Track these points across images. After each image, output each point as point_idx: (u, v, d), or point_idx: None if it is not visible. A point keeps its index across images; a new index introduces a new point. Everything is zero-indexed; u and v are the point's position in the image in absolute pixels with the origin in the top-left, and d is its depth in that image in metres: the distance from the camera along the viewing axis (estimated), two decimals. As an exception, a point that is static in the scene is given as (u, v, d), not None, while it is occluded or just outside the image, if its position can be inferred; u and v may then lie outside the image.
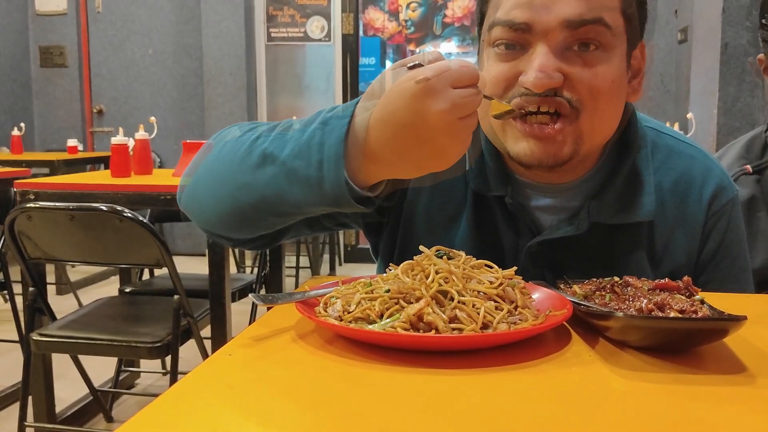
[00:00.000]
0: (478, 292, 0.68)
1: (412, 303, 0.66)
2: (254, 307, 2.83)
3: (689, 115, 2.74)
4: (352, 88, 5.38)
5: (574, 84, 0.81)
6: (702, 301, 0.68)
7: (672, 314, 0.65)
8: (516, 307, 0.68)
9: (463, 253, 0.74)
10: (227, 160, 0.82)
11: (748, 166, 1.29)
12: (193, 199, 0.89)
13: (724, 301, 0.71)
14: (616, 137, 0.93)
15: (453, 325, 0.64)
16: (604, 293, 0.74)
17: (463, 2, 6.82)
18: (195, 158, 0.89)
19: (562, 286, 0.80)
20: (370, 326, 0.65)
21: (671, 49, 4.68)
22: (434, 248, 0.75)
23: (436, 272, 0.69)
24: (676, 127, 2.57)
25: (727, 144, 1.41)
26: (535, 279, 0.83)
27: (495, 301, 0.68)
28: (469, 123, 0.69)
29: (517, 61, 0.83)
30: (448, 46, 8.61)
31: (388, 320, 0.65)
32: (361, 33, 5.49)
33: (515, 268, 0.74)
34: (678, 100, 4.57)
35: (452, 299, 0.66)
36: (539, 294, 0.76)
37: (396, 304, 0.67)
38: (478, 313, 0.65)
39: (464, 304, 0.66)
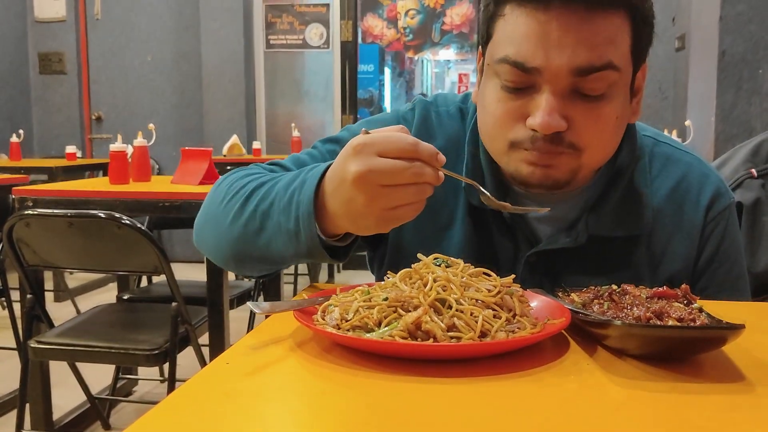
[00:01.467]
0: (477, 300, 0.68)
1: (410, 311, 0.66)
2: (252, 314, 2.83)
3: (687, 123, 2.75)
4: (350, 94, 5.39)
5: (578, 129, 0.83)
6: (700, 310, 0.68)
7: (670, 323, 0.65)
8: (514, 316, 0.68)
9: (461, 261, 0.74)
10: (225, 212, 0.89)
11: (754, 170, 1.29)
12: (201, 242, 0.97)
13: (722, 310, 0.71)
14: (617, 152, 0.93)
15: (451, 334, 0.64)
16: (602, 301, 0.74)
17: (462, 10, 6.84)
18: (204, 201, 0.96)
19: (560, 294, 0.80)
20: (368, 334, 0.65)
21: (669, 57, 4.70)
22: (432, 256, 0.75)
23: (434, 280, 0.69)
24: (674, 134, 2.58)
25: (733, 148, 1.42)
26: (532, 287, 0.83)
27: (493, 310, 0.67)
28: (396, 196, 0.70)
29: (524, 101, 0.83)
30: (447, 53, 8.63)
31: (386, 328, 0.65)
32: (359, 40, 5.50)
33: (513, 276, 0.74)
34: (676, 108, 4.58)
35: (450, 307, 0.66)
36: (537, 302, 0.76)
37: (394, 312, 0.67)
38: (477, 322, 0.65)
39: (462, 312, 0.66)
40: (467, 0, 6.73)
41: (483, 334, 0.65)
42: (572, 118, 0.82)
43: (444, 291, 0.68)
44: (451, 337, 0.63)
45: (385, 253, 1.02)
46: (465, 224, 0.95)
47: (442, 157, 0.71)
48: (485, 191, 0.77)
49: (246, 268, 0.94)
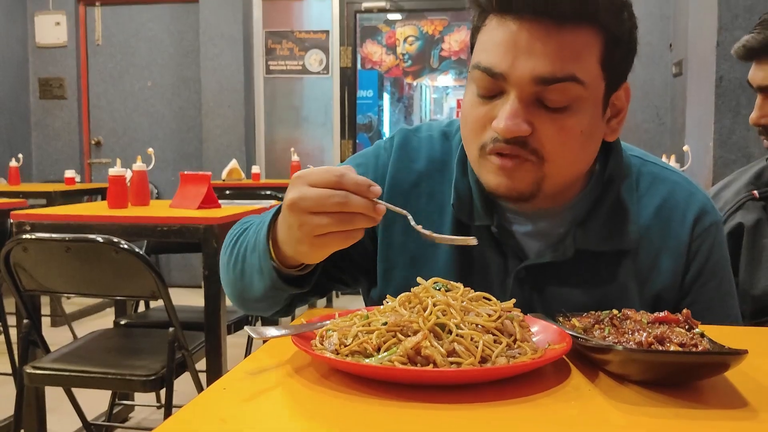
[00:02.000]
0: (477, 325, 0.67)
1: (409, 336, 0.65)
2: (250, 340, 2.81)
3: (686, 148, 2.76)
4: (349, 120, 5.42)
5: (539, 137, 0.85)
6: (702, 335, 0.68)
7: (672, 348, 0.64)
8: (515, 341, 0.68)
9: (460, 285, 0.74)
10: (224, 259, 1.00)
11: (755, 192, 1.30)
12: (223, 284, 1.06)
13: (724, 335, 0.71)
14: (601, 168, 0.96)
15: (451, 359, 0.63)
16: (603, 326, 0.73)
17: (460, 36, 6.91)
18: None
19: (560, 319, 0.80)
20: (367, 360, 0.64)
21: (666, 83, 4.73)
22: (432, 280, 0.74)
23: (434, 305, 0.68)
24: (672, 159, 2.58)
25: (734, 171, 1.42)
26: (523, 302, 0.85)
27: (493, 335, 0.67)
28: (320, 222, 0.74)
29: (492, 105, 0.87)
30: (445, 79, 8.69)
31: (385, 354, 0.64)
32: (359, 66, 5.54)
33: (514, 300, 0.74)
34: (674, 133, 4.61)
35: (450, 332, 0.65)
36: (538, 327, 0.76)
37: (393, 337, 0.66)
38: (477, 347, 0.64)
39: (462, 337, 0.65)
40: (465, 27, 6.82)
41: (483, 360, 0.64)
42: (535, 126, 0.85)
43: (444, 315, 0.67)
44: (451, 363, 0.63)
45: (373, 275, 1.03)
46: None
47: (377, 189, 0.74)
48: (412, 222, 0.78)
49: (250, 307, 1.02)
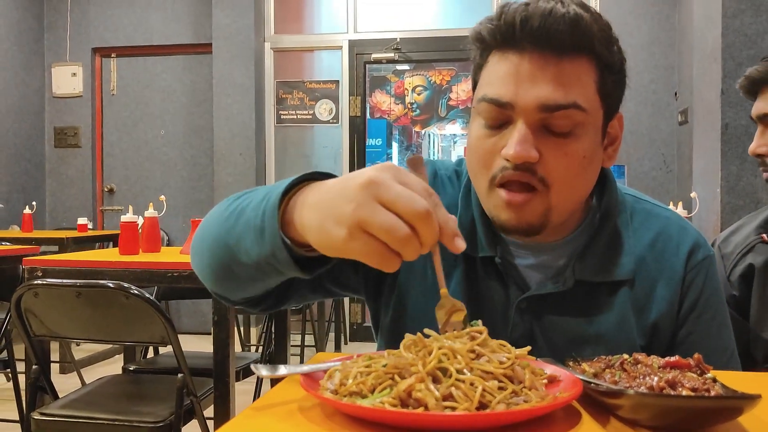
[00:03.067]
0: (484, 371, 0.66)
1: (406, 378, 0.65)
2: (258, 386, 2.79)
3: (693, 194, 2.76)
4: (359, 168, 5.45)
5: (547, 164, 0.89)
6: (714, 380, 0.67)
7: (684, 392, 0.64)
8: (523, 388, 0.66)
9: (484, 331, 0.72)
10: (211, 219, 0.90)
11: (764, 235, 1.30)
12: (192, 257, 0.95)
13: (736, 380, 0.70)
14: (597, 203, 1.00)
15: (446, 403, 0.62)
16: (613, 371, 0.73)
17: (467, 86, 7.01)
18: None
19: (570, 364, 0.79)
20: (361, 401, 0.64)
21: (672, 131, 4.77)
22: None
23: (440, 348, 0.68)
24: (680, 206, 2.59)
25: (745, 216, 1.42)
26: (524, 332, 0.90)
27: (500, 381, 0.65)
28: (384, 219, 0.66)
29: (500, 135, 0.90)
30: (453, 128, 8.77)
31: (378, 395, 0.64)
32: (368, 115, 5.61)
33: (529, 348, 0.73)
34: (681, 180, 4.62)
35: (450, 376, 0.64)
36: (549, 372, 0.75)
37: (391, 379, 0.65)
38: (476, 392, 0.63)
39: (462, 382, 0.64)
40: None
41: (483, 406, 0.62)
42: (542, 152, 0.88)
43: (447, 360, 0.66)
44: (446, 407, 0.61)
45: (387, 302, 1.03)
46: (461, 271, 1.00)
47: (461, 244, 0.70)
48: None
49: (225, 280, 0.90)
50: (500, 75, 0.90)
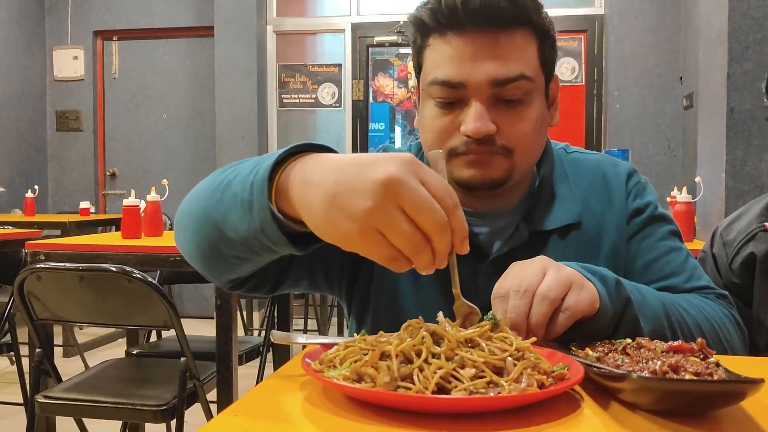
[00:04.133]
0: (469, 359, 0.64)
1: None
2: (261, 370, 2.80)
3: (698, 179, 2.75)
4: (362, 152, 5.43)
5: (505, 132, 0.95)
6: (717, 364, 0.67)
7: (687, 377, 0.63)
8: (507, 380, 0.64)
9: (487, 325, 0.72)
10: (195, 193, 0.86)
11: (767, 223, 1.29)
12: (176, 235, 0.93)
13: (739, 364, 0.70)
14: (537, 166, 1.07)
15: (402, 383, 0.61)
16: (616, 355, 0.73)
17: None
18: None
19: (573, 348, 0.79)
20: (328, 372, 0.66)
21: (677, 115, 4.74)
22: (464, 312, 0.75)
23: (433, 333, 0.67)
24: (684, 191, 2.57)
25: (746, 203, 1.41)
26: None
27: (480, 370, 0.64)
28: (397, 225, 0.63)
29: (455, 114, 0.95)
30: (457, 112, 8.73)
31: (341, 368, 0.66)
32: (371, 99, 5.59)
33: (534, 338, 0.72)
34: (685, 165, 4.60)
35: (428, 361, 0.64)
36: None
37: (364, 355, 0.66)
38: (458, 379, 0.62)
39: (430, 365, 0.63)
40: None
41: (442, 390, 0.62)
42: (499, 123, 0.94)
43: (423, 343, 0.65)
44: (399, 387, 0.61)
45: (364, 286, 1.06)
46: None
47: (467, 247, 0.68)
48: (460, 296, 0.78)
49: (210, 259, 0.86)
50: (447, 56, 0.94)
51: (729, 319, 1.02)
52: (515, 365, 0.65)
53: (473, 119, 0.92)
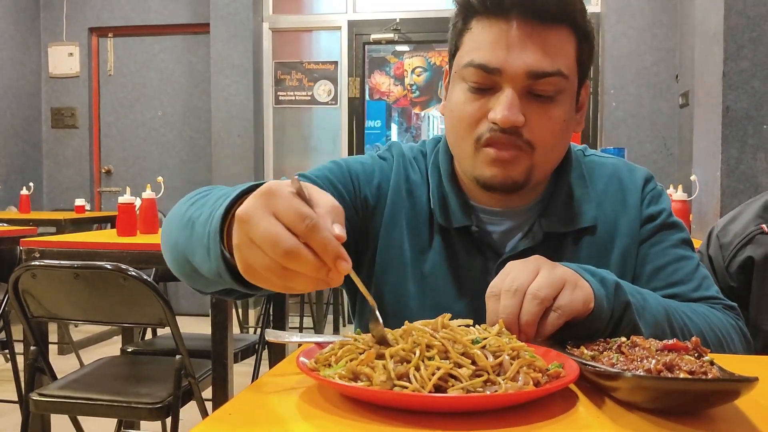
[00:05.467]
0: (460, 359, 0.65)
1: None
2: (257, 368, 2.80)
3: (693, 178, 2.76)
4: (357, 150, 5.45)
5: (532, 127, 0.93)
6: (711, 363, 0.67)
7: (681, 375, 0.64)
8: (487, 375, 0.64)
9: (501, 328, 0.73)
10: (172, 219, 0.88)
11: (764, 226, 1.29)
12: (163, 251, 0.94)
13: (734, 363, 0.70)
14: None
15: (398, 382, 0.62)
16: (611, 354, 0.73)
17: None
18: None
19: (569, 347, 0.79)
20: (324, 370, 0.66)
21: (673, 113, 4.75)
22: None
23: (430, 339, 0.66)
24: (679, 189, 2.58)
25: (742, 203, 1.41)
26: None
27: (459, 366, 0.64)
28: (259, 261, 0.62)
29: (485, 99, 0.94)
30: (453, 110, 8.71)
31: (336, 367, 0.66)
32: (367, 96, 5.59)
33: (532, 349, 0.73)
34: (681, 163, 4.61)
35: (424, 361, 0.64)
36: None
37: (360, 354, 0.67)
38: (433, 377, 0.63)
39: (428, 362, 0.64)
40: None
41: (438, 389, 0.62)
42: (527, 117, 0.93)
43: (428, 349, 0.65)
44: (395, 385, 0.62)
45: (367, 275, 1.06)
46: (439, 245, 1.03)
47: (345, 266, 0.62)
48: (377, 312, 0.70)
49: (189, 280, 0.89)
50: (488, 41, 0.93)
51: (735, 329, 1.02)
52: (512, 364, 0.66)
53: (504, 107, 0.91)
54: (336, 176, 1.05)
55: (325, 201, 0.64)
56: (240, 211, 0.63)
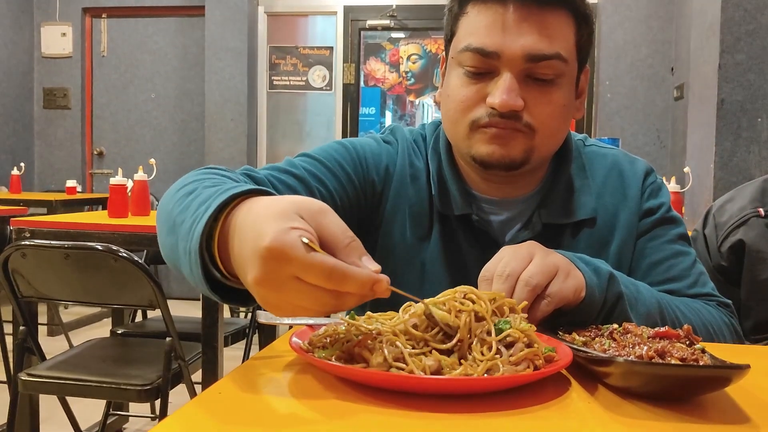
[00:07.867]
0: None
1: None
2: (247, 352, 2.80)
3: (686, 169, 2.76)
4: (351, 136, 5.43)
5: (531, 110, 0.93)
6: (703, 350, 0.67)
7: (673, 362, 0.64)
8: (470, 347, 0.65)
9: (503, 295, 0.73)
10: (159, 215, 0.83)
11: (761, 209, 1.29)
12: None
13: (725, 352, 0.70)
14: (557, 153, 1.05)
15: (397, 364, 0.62)
16: (603, 340, 0.73)
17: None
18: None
19: (560, 332, 0.79)
20: (318, 352, 0.66)
21: (668, 106, 4.75)
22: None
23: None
24: (672, 181, 2.58)
25: (737, 187, 1.41)
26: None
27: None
28: (302, 305, 0.60)
29: (483, 84, 0.93)
30: (448, 98, 8.69)
31: (332, 349, 0.66)
32: (362, 83, 5.56)
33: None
34: (675, 156, 4.61)
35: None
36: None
37: (356, 336, 0.67)
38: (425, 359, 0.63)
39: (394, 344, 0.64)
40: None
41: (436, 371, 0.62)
42: (526, 100, 0.92)
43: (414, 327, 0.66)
44: (391, 368, 0.62)
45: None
46: (439, 234, 1.03)
47: (382, 287, 0.60)
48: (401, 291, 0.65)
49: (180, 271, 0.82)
50: (485, 24, 0.92)
51: (727, 326, 1.02)
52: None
53: (502, 91, 0.90)
54: (344, 158, 1.04)
55: (336, 233, 0.61)
56: (255, 279, 0.58)
